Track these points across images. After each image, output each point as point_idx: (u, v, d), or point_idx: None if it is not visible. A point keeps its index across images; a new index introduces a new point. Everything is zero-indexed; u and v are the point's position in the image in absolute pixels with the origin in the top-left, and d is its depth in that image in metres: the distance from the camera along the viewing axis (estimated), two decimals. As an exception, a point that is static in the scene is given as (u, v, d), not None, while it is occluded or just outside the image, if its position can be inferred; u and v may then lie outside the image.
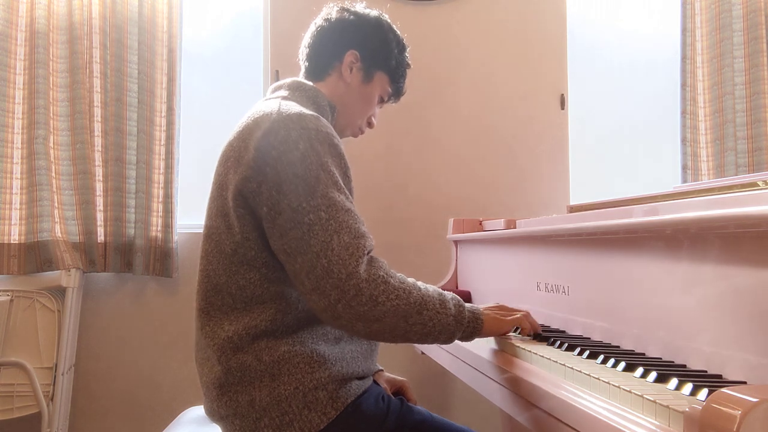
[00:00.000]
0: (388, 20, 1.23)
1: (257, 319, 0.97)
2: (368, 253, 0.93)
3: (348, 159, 1.00)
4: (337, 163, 0.97)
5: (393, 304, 0.90)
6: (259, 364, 0.95)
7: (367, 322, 0.89)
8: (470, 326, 0.98)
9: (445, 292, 0.99)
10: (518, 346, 1.02)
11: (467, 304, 1.00)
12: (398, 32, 1.24)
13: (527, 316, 1.08)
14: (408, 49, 1.25)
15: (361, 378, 1.03)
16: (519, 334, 1.10)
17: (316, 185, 0.91)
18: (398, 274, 0.95)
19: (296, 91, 1.12)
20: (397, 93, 1.26)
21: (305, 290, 0.90)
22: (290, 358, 0.95)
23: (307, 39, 1.22)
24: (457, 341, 1.00)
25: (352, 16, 1.19)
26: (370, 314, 0.89)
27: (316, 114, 1.00)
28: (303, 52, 1.22)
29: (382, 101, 1.25)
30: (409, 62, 1.26)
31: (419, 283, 0.96)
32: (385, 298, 0.89)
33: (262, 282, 0.98)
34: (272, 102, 1.04)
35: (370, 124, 1.27)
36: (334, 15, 1.20)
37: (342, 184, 0.95)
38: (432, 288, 0.97)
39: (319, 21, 1.21)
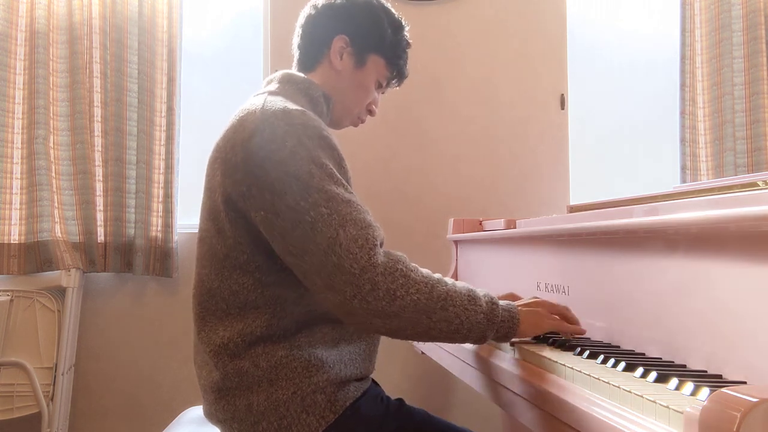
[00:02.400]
0: (381, 0, 1.17)
1: (252, 325, 0.95)
2: (380, 244, 0.88)
3: (342, 150, 0.96)
4: (330, 155, 0.92)
5: (413, 299, 0.85)
6: (257, 370, 0.93)
7: (385, 318, 0.85)
8: (504, 326, 0.92)
9: (479, 289, 0.94)
10: (517, 345, 1.01)
11: (502, 302, 0.95)
12: (392, 11, 1.17)
13: (568, 314, 1.01)
14: (407, 29, 1.19)
15: (359, 379, 1.02)
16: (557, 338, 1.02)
17: (310, 181, 0.87)
18: (422, 269, 0.90)
19: (287, 84, 1.08)
20: (398, 76, 1.19)
21: (317, 289, 0.87)
22: (288, 362, 0.94)
23: (297, 28, 1.19)
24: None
25: (339, 0, 1.14)
26: (388, 309, 0.84)
27: (301, 108, 0.96)
28: (294, 42, 1.19)
29: (380, 86, 1.19)
30: (409, 41, 1.19)
31: (447, 279, 0.91)
32: (404, 292, 0.85)
33: (256, 286, 0.95)
34: (258, 98, 1.01)
35: (371, 112, 1.21)
36: (321, 0, 1.15)
37: (338, 175, 0.91)
38: (462, 284, 0.92)
39: (307, 9, 1.17)
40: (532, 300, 1.03)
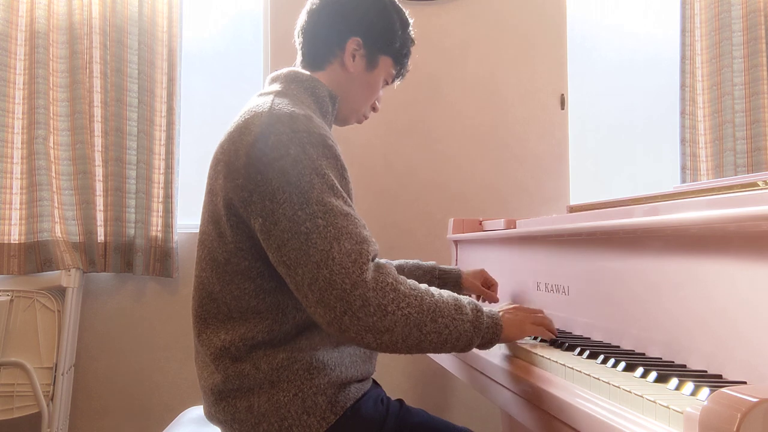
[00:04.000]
0: None
1: (254, 330, 0.94)
2: (373, 258, 0.88)
3: (344, 160, 0.96)
4: (333, 165, 0.91)
5: (404, 313, 0.85)
6: (258, 372, 0.93)
7: (377, 334, 0.84)
8: (489, 332, 0.93)
9: (462, 296, 0.94)
10: (516, 344, 1.01)
11: (486, 308, 0.95)
12: (400, 8, 1.15)
13: (545, 321, 1.03)
14: (411, 23, 1.17)
15: (360, 381, 1.01)
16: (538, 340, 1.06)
17: (311, 191, 0.86)
18: (409, 281, 0.90)
19: (292, 84, 1.05)
20: (402, 73, 1.18)
21: (309, 303, 0.86)
22: (289, 365, 0.93)
23: (302, 21, 1.13)
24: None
25: None
26: (379, 325, 0.83)
27: (308, 114, 0.95)
28: (299, 36, 1.14)
29: (386, 84, 1.18)
30: (414, 38, 1.18)
31: (432, 289, 0.92)
32: (395, 307, 0.84)
33: (258, 292, 0.95)
34: (265, 99, 0.99)
35: (374, 109, 1.20)
36: None
37: (339, 187, 0.90)
38: (447, 293, 0.93)
39: (315, 4, 1.11)
40: (512, 306, 1.04)
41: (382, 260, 0.91)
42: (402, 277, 0.90)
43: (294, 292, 0.89)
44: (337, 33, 1.10)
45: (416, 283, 0.91)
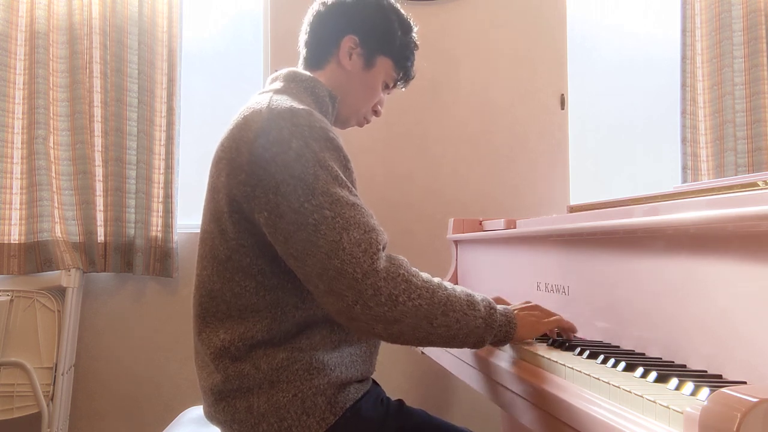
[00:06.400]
0: (390, 0, 1.16)
1: (253, 329, 0.94)
2: (383, 248, 0.88)
3: (347, 152, 0.96)
4: (335, 156, 0.91)
5: (414, 304, 0.85)
6: (258, 372, 0.93)
7: (387, 324, 0.84)
8: (502, 330, 0.93)
9: (476, 293, 0.94)
10: (517, 344, 1.01)
11: (500, 306, 0.95)
12: (401, 11, 1.16)
13: (560, 321, 1.02)
14: (415, 29, 1.17)
15: (360, 381, 1.01)
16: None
17: (315, 183, 0.87)
18: (422, 274, 0.90)
19: (292, 83, 1.06)
20: (405, 77, 1.18)
21: (319, 293, 0.86)
22: (289, 365, 0.93)
23: (304, 26, 1.16)
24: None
25: None
26: (389, 315, 0.84)
27: (308, 108, 0.95)
28: (301, 39, 1.17)
29: (387, 87, 1.18)
30: (417, 43, 1.18)
31: (446, 283, 0.92)
32: (406, 298, 0.85)
33: (258, 290, 0.95)
34: (264, 97, 0.99)
35: (376, 113, 1.20)
36: None
37: (343, 177, 0.90)
38: (460, 289, 0.93)
39: (316, 5, 1.14)
40: (527, 304, 1.03)
41: (399, 257, 0.91)
42: (415, 269, 0.90)
43: (303, 283, 0.90)
44: (335, 32, 1.11)
45: (430, 276, 0.91)
